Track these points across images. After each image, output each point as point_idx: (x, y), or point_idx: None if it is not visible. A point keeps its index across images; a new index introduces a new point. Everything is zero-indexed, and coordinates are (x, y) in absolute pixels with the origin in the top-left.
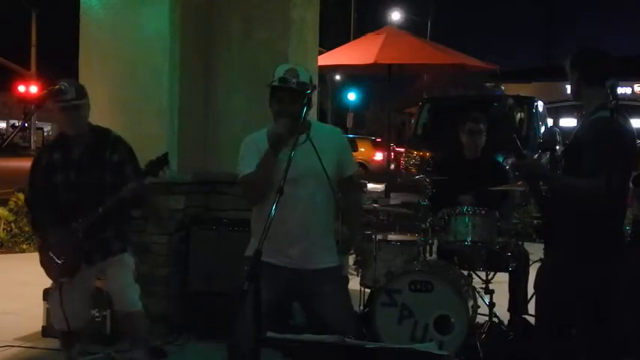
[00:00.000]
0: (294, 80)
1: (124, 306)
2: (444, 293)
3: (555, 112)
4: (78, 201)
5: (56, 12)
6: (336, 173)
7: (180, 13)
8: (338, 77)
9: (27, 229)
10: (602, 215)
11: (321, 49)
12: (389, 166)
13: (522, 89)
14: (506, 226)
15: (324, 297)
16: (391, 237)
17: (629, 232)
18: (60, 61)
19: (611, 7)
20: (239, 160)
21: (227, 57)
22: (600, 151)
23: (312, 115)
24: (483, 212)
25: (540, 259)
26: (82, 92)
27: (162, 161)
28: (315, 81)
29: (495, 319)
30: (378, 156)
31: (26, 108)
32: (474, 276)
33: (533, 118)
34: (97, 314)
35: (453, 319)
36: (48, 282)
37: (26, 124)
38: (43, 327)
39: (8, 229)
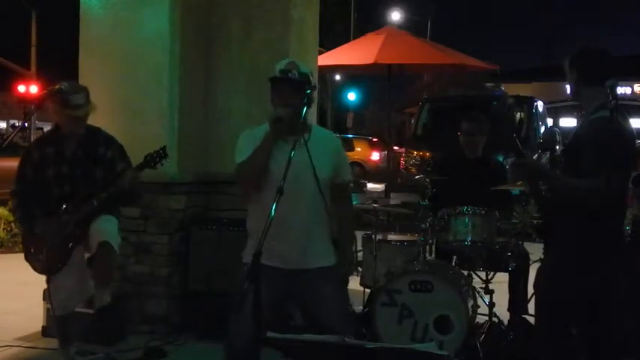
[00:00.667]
0: (294, 71)
1: (101, 236)
2: (444, 293)
3: (555, 112)
4: (69, 194)
5: (56, 12)
6: (332, 177)
7: (180, 12)
8: (338, 77)
9: None
10: (602, 215)
11: (321, 49)
12: (389, 166)
13: (522, 89)
14: (507, 226)
15: (320, 297)
16: (391, 237)
17: (629, 232)
18: (60, 61)
19: (611, 7)
20: (236, 151)
21: (227, 57)
22: (600, 151)
23: (313, 114)
24: (483, 212)
25: (540, 259)
26: (88, 97)
27: (161, 154)
28: (315, 81)
29: (495, 319)
30: (375, 156)
31: (26, 108)
32: (473, 276)
33: (533, 118)
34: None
35: (452, 319)
36: None
37: (26, 124)
38: (43, 327)
39: (8, 229)
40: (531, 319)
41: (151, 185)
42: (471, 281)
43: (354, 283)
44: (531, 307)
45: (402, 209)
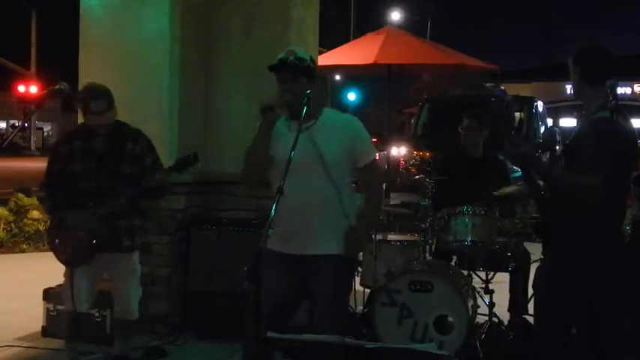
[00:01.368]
0: (291, 57)
1: (124, 314)
2: (443, 293)
3: (555, 112)
4: (97, 189)
5: (56, 12)
6: (347, 160)
7: (180, 12)
8: (338, 77)
9: (27, 229)
10: (602, 215)
11: (321, 49)
12: (389, 166)
13: (522, 89)
14: (507, 226)
15: (317, 287)
16: (391, 237)
17: (629, 232)
18: (60, 61)
19: (611, 7)
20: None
21: (227, 57)
22: (599, 151)
23: (327, 98)
24: (483, 212)
25: (540, 259)
26: (109, 101)
27: (191, 160)
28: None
29: (495, 319)
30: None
31: (26, 108)
32: (473, 276)
33: (533, 118)
34: (97, 314)
35: (452, 319)
36: (48, 282)
37: (26, 124)
38: (43, 327)
39: (8, 229)
40: (531, 319)
41: None
42: (471, 281)
43: (354, 283)
44: (531, 307)
45: (402, 209)
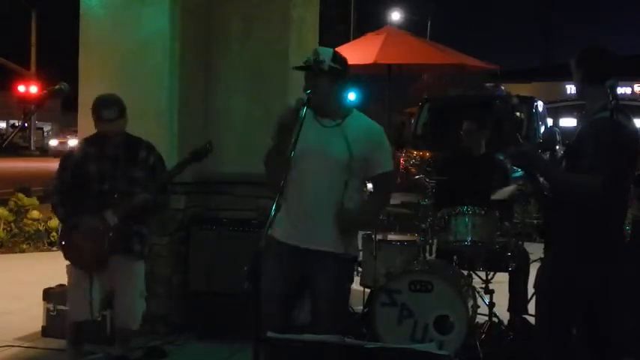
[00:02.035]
0: (312, 59)
1: (125, 323)
2: (444, 293)
3: (555, 112)
4: (109, 192)
5: (56, 12)
6: (363, 166)
7: (180, 12)
8: None
9: (27, 229)
10: (602, 215)
11: None
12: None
13: (522, 89)
14: (507, 225)
15: (317, 284)
16: (391, 237)
17: (629, 232)
18: (60, 61)
19: (611, 7)
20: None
21: (227, 57)
22: (599, 151)
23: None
24: (483, 212)
25: (540, 259)
26: (121, 109)
27: (207, 149)
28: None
29: (495, 319)
30: None
31: (26, 108)
32: (473, 276)
33: (533, 118)
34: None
35: (452, 319)
36: (48, 282)
37: (26, 124)
38: (43, 327)
39: (8, 229)
40: (531, 319)
41: None
42: (471, 281)
43: (354, 284)
44: (531, 307)
45: (402, 209)
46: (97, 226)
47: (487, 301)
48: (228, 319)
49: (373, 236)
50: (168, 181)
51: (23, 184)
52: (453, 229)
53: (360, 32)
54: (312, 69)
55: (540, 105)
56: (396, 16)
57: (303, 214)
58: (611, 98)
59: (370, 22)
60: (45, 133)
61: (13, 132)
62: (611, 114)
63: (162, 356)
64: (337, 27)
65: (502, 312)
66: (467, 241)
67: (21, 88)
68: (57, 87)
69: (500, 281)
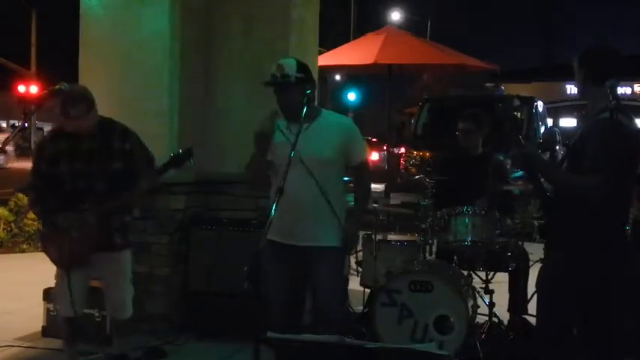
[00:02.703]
0: (277, 74)
1: (118, 314)
2: (444, 293)
3: (555, 112)
4: (86, 189)
5: (56, 12)
6: (341, 159)
7: (180, 12)
8: (338, 77)
9: (27, 229)
10: (604, 215)
11: (321, 49)
12: (389, 166)
13: (522, 89)
14: (507, 226)
15: (316, 278)
16: (391, 237)
17: (629, 232)
18: (60, 61)
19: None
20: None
21: (227, 57)
22: (600, 151)
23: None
24: (483, 212)
25: (540, 259)
26: (89, 105)
27: (187, 154)
28: (315, 80)
29: (495, 319)
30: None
31: (26, 108)
32: (473, 276)
33: (533, 118)
34: (97, 314)
35: (452, 319)
36: (48, 282)
37: (26, 124)
38: (43, 327)
39: (8, 229)
40: (531, 319)
41: None
42: (471, 281)
43: (354, 283)
44: (531, 307)
45: (402, 209)
46: (73, 225)
47: (487, 301)
48: (228, 319)
49: (373, 236)
50: (148, 186)
51: (23, 184)
52: (452, 229)
53: (360, 32)
54: (280, 84)
55: (540, 105)
56: (396, 16)
57: (297, 214)
58: (611, 98)
59: (370, 22)
60: (45, 133)
61: (13, 132)
62: (611, 114)
63: (163, 356)
64: (337, 27)
65: (502, 312)
66: (467, 241)
67: (21, 88)
68: (57, 87)
69: (500, 281)
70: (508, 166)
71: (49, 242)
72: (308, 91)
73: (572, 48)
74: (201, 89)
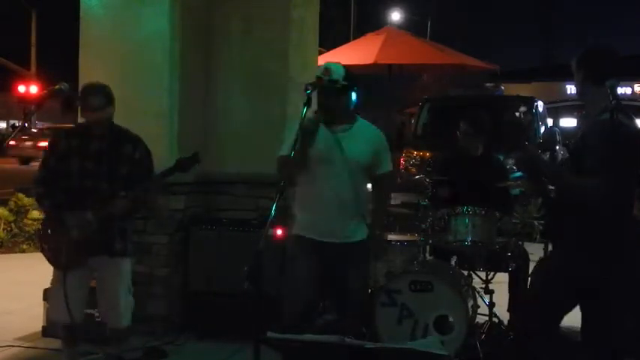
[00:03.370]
0: (326, 78)
1: (113, 322)
2: (444, 293)
3: (555, 112)
4: (92, 190)
5: (56, 12)
6: (368, 167)
7: (180, 12)
8: None
9: (27, 229)
10: (604, 216)
11: (321, 49)
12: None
13: (522, 89)
14: (507, 226)
15: (350, 266)
16: (391, 237)
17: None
18: (60, 61)
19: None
20: (284, 142)
21: (227, 56)
22: (602, 153)
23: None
24: (483, 212)
25: (540, 259)
26: (108, 97)
27: (193, 160)
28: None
29: (495, 319)
30: None
31: (26, 108)
32: (473, 276)
33: (533, 118)
34: (97, 314)
35: (452, 319)
36: (48, 282)
37: (26, 124)
38: (43, 327)
39: (8, 229)
40: None
41: None
42: (471, 281)
43: None
44: None
45: (402, 209)
46: (78, 225)
47: (487, 301)
48: (228, 319)
49: None
50: (151, 186)
51: (23, 184)
52: (452, 229)
53: (360, 32)
54: (326, 88)
55: (540, 105)
56: (396, 16)
57: (330, 212)
58: (611, 98)
59: (370, 22)
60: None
61: (13, 132)
62: (611, 114)
63: (162, 356)
64: (337, 27)
65: (502, 312)
66: (467, 241)
67: (21, 88)
68: (57, 87)
69: (500, 281)
70: (508, 167)
71: (47, 241)
72: (354, 99)
73: (572, 48)
74: (201, 89)
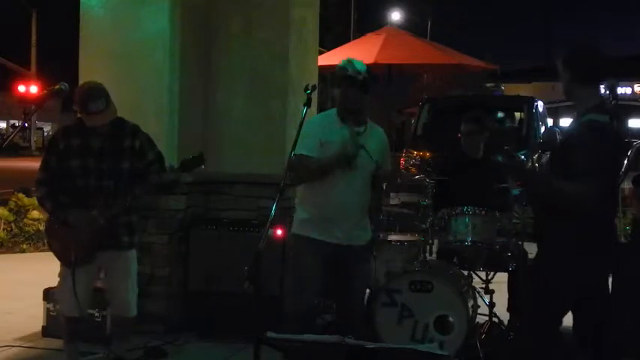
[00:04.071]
0: (359, 77)
1: (122, 311)
2: (444, 293)
3: (555, 112)
4: (96, 187)
5: (56, 12)
6: (376, 166)
7: (180, 12)
8: None
9: (27, 229)
10: (594, 214)
11: (321, 49)
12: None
13: (522, 89)
14: (507, 226)
15: (357, 266)
16: (391, 237)
17: (629, 232)
18: (60, 61)
19: (611, 7)
20: (299, 138)
21: (227, 57)
22: (587, 155)
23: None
24: (483, 212)
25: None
26: (107, 101)
27: (198, 160)
28: (315, 80)
29: (495, 319)
30: None
31: (26, 108)
32: (474, 276)
33: (533, 118)
34: (97, 314)
35: (452, 319)
36: (48, 282)
37: (26, 124)
38: (43, 327)
39: (8, 229)
40: None
41: None
42: (471, 281)
43: None
44: None
45: (402, 209)
46: (83, 223)
47: (487, 301)
48: (228, 319)
49: None
50: (158, 182)
51: (23, 184)
52: (452, 229)
53: (360, 32)
54: (355, 81)
55: (540, 105)
56: (396, 16)
57: (349, 214)
58: (611, 98)
59: (370, 22)
60: (45, 133)
61: (13, 132)
62: (611, 115)
63: (162, 356)
64: (337, 27)
65: (502, 312)
66: (467, 241)
67: (21, 88)
68: (57, 87)
69: (500, 281)
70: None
71: (55, 238)
72: (368, 95)
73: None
74: (201, 88)
